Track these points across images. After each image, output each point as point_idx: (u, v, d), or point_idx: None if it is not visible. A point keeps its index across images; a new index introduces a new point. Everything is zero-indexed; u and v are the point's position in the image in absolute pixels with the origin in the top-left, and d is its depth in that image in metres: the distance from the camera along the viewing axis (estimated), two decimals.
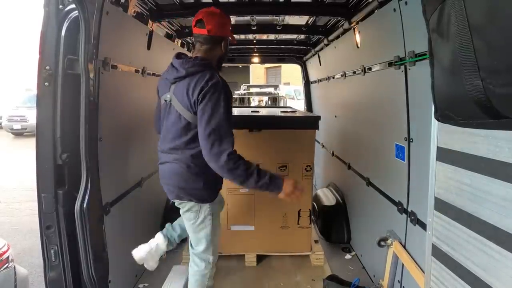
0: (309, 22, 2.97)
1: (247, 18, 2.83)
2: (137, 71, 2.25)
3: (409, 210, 1.75)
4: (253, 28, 2.97)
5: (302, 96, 5.16)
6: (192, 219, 1.65)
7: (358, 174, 2.57)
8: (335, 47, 3.05)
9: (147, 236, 2.51)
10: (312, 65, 4.23)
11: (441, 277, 1.08)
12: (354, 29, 2.41)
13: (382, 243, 1.90)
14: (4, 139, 11.21)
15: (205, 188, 1.60)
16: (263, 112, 2.98)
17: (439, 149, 1.09)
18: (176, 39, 3.11)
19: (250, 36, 3.52)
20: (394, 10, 1.71)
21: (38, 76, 1.45)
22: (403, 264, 1.78)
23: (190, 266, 1.77)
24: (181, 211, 1.70)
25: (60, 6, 1.47)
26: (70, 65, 1.50)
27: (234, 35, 1.72)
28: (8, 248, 1.99)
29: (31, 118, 10.70)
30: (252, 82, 18.20)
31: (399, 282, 1.84)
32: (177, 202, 1.67)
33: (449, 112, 0.82)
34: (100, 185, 1.65)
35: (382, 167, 2.13)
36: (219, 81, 1.49)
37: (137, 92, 2.29)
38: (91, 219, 1.54)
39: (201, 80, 1.47)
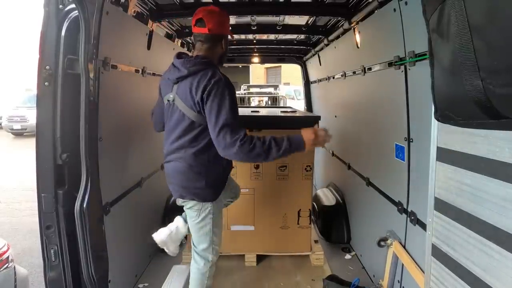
0: (309, 22, 2.97)
1: (247, 18, 2.83)
2: (137, 71, 2.25)
3: (409, 210, 1.75)
4: (253, 28, 2.97)
5: (302, 96, 5.16)
6: (193, 217, 1.67)
7: (358, 174, 2.57)
8: (335, 47, 3.05)
9: (147, 236, 2.52)
10: (312, 65, 4.23)
11: (441, 277, 1.08)
12: (354, 29, 2.41)
13: (382, 243, 1.90)
14: (4, 139, 11.21)
15: (207, 187, 1.61)
16: (263, 112, 2.98)
17: (439, 149, 1.09)
18: (176, 39, 3.11)
19: (250, 36, 3.52)
20: (394, 10, 1.71)
21: (38, 76, 1.45)
22: (403, 264, 1.78)
23: (191, 265, 1.78)
24: (184, 208, 1.72)
25: (60, 6, 1.47)
26: (70, 65, 1.50)
27: (233, 34, 1.72)
28: (8, 248, 1.99)
29: (31, 118, 10.69)
30: (252, 82, 18.18)
31: (399, 282, 1.84)
32: (180, 201, 1.69)
33: (449, 112, 0.82)
34: (100, 185, 1.65)
35: (382, 167, 2.13)
36: (221, 78, 1.49)
37: (137, 92, 2.29)
38: (91, 219, 1.54)
39: (204, 79, 1.48)
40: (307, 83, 4.69)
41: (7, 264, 1.93)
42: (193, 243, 1.75)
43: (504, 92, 0.62)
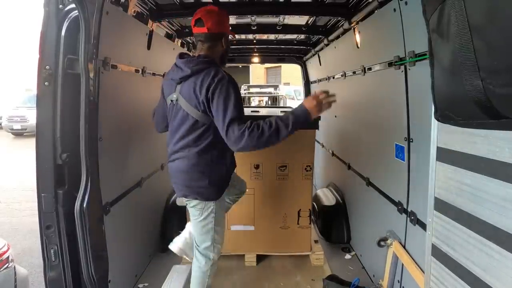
0: (309, 22, 2.97)
1: (247, 18, 2.83)
2: (137, 71, 2.25)
3: (409, 210, 1.75)
4: (253, 28, 2.97)
5: (302, 96, 5.16)
6: (196, 216, 1.68)
7: (358, 174, 2.57)
8: (335, 47, 3.05)
9: (147, 236, 2.52)
10: (312, 65, 4.23)
11: (441, 277, 1.08)
12: (354, 29, 2.41)
13: (382, 243, 1.90)
14: (4, 139, 11.20)
15: (211, 186, 1.62)
16: (263, 112, 2.98)
17: (439, 149, 1.09)
18: (176, 39, 3.11)
19: (250, 36, 3.52)
20: (394, 10, 1.71)
21: (38, 76, 1.45)
22: (403, 264, 1.78)
23: (193, 263, 1.79)
24: (187, 206, 1.73)
25: (60, 6, 1.46)
26: (70, 65, 1.50)
27: (233, 33, 1.73)
28: (8, 248, 1.99)
29: (31, 118, 10.69)
30: (252, 82, 18.18)
31: (399, 282, 1.84)
32: (184, 199, 1.70)
33: (449, 112, 0.82)
34: (100, 185, 1.65)
35: (382, 167, 2.13)
36: (224, 75, 1.51)
37: (137, 92, 2.29)
38: (91, 219, 1.54)
39: (207, 78, 1.49)
40: (307, 83, 4.69)
41: (7, 264, 1.93)
42: (195, 242, 1.76)
43: (504, 92, 0.62)
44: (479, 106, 0.68)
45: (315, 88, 4.41)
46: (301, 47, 3.96)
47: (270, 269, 2.45)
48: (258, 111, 2.93)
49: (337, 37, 2.88)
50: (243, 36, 3.54)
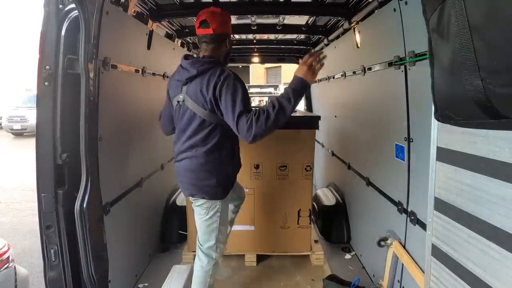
0: (309, 22, 2.97)
1: (247, 18, 2.83)
2: (137, 71, 2.25)
3: (409, 210, 1.75)
4: (253, 28, 2.97)
5: None
6: (201, 215, 1.69)
7: (358, 174, 2.57)
8: (335, 47, 3.05)
9: (147, 236, 2.52)
10: None
11: (441, 277, 1.08)
12: (354, 29, 2.41)
13: (382, 243, 1.90)
14: (4, 139, 11.21)
15: (218, 185, 1.64)
16: None
17: (439, 149, 1.09)
18: (176, 39, 3.11)
19: (250, 36, 3.52)
20: (394, 10, 1.71)
21: (38, 76, 1.45)
22: (403, 264, 1.78)
23: (195, 262, 1.80)
24: (193, 205, 1.74)
25: (60, 6, 1.46)
26: (70, 65, 1.50)
27: (233, 34, 1.74)
28: (9, 248, 1.99)
29: (31, 118, 10.70)
30: (252, 82, 18.15)
31: (399, 282, 1.84)
32: (191, 198, 1.71)
33: (449, 112, 0.82)
34: (100, 185, 1.65)
35: (382, 167, 2.13)
36: (230, 73, 1.54)
37: (137, 92, 2.29)
38: (91, 219, 1.54)
39: (213, 77, 1.52)
40: None
41: (7, 264, 1.94)
42: (199, 241, 1.77)
43: (504, 92, 0.62)
44: (479, 106, 0.68)
45: (315, 88, 4.41)
46: (301, 47, 3.96)
47: (270, 269, 2.45)
48: None
49: (337, 37, 2.88)
50: (243, 36, 3.54)
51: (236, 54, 4.35)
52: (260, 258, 2.52)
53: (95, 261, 1.56)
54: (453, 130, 0.99)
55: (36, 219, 1.53)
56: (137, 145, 2.29)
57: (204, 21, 1.59)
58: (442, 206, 1.08)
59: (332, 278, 2.14)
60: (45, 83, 1.45)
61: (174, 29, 2.98)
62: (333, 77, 3.27)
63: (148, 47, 2.40)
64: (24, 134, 11.63)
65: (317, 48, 3.61)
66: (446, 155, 1.05)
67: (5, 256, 1.94)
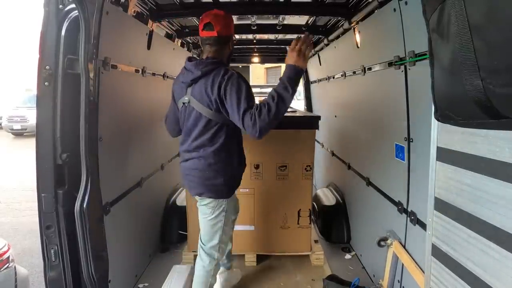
0: (309, 22, 2.97)
1: (247, 18, 2.83)
2: (137, 71, 2.25)
3: (409, 210, 1.75)
4: (253, 28, 2.97)
5: (302, 96, 5.16)
6: (207, 214, 1.71)
7: (358, 174, 2.57)
8: (335, 47, 3.05)
9: (147, 236, 2.52)
10: (312, 65, 4.23)
11: (441, 277, 1.08)
12: (354, 29, 2.41)
13: (382, 243, 1.90)
14: (4, 139, 11.21)
15: (225, 184, 1.67)
16: None
17: (439, 149, 1.09)
18: (176, 39, 3.11)
19: (250, 36, 3.52)
20: (394, 10, 1.71)
21: (38, 76, 1.45)
22: (403, 264, 1.78)
23: (197, 262, 1.81)
24: (198, 204, 1.76)
25: (60, 6, 1.46)
26: (70, 65, 1.50)
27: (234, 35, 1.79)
28: (9, 248, 1.99)
29: (31, 118, 10.69)
30: (252, 82, 18.08)
31: (399, 282, 1.84)
32: (197, 198, 1.73)
33: (449, 112, 0.82)
34: (100, 185, 1.65)
35: (382, 167, 2.13)
36: (233, 73, 1.57)
37: (137, 92, 2.29)
38: (91, 219, 1.54)
39: (217, 77, 1.54)
40: (307, 83, 4.69)
41: (7, 264, 1.94)
42: (201, 240, 1.79)
43: (504, 92, 0.62)
44: (479, 106, 0.68)
45: (315, 88, 4.41)
46: None
47: (270, 269, 2.45)
48: None
49: (337, 37, 2.88)
50: (243, 36, 3.54)
51: (236, 54, 4.35)
52: (260, 258, 2.52)
53: (95, 261, 1.56)
54: (453, 130, 0.99)
55: (36, 219, 1.53)
56: (137, 145, 2.29)
57: (209, 23, 1.61)
58: (442, 206, 1.08)
59: (332, 278, 2.14)
60: (45, 83, 1.45)
61: (174, 29, 2.98)
62: (333, 77, 3.27)
63: (148, 47, 2.40)
64: (24, 134, 11.63)
65: (317, 48, 3.61)
66: (446, 155, 1.05)
67: (5, 256, 1.94)
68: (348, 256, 2.64)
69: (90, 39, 1.51)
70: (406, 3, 1.60)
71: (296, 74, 1.51)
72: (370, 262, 2.35)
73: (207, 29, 1.62)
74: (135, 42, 2.22)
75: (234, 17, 2.80)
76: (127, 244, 2.12)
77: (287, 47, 1.59)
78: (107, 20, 1.64)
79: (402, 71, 1.74)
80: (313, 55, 3.92)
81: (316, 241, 2.63)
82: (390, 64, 1.85)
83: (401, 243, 1.82)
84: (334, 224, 2.87)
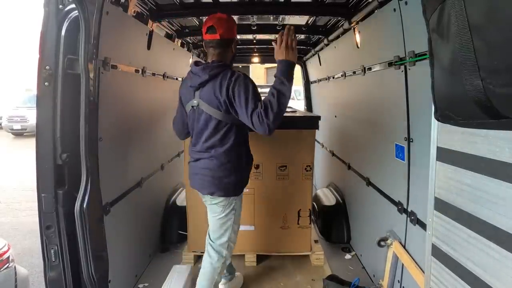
0: (309, 22, 2.97)
1: (247, 18, 2.83)
2: (137, 71, 2.25)
3: (409, 210, 1.75)
4: (253, 28, 2.97)
5: (302, 96, 5.17)
6: (217, 213, 1.75)
7: (358, 174, 2.57)
8: (335, 47, 3.05)
9: (147, 236, 2.52)
10: (312, 65, 4.23)
11: (441, 277, 1.08)
12: (354, 29, 2.41)
13: (382, 243, 1.90)
14: (4, 139, 11.21)
15: (236, 182, 1.73)
16: None
17: (439, 149, 1.09)
18: (176, 39, 3.11)
19: (250, 36, 3.52)
20: (394, 10, 1.71)
21: (38, 76, 1.45)
22: (403, 264, 1.78)
23: (204, 258, 1.84)
24: (207, 203, 1.79)
25: (60, 6, 1.46)
26: (70, 65, 1.50)
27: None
28: (9, 248, 1.99)
29: (31, 118, 10.70)
30: None
31: (399, 282, 1.84)
32: (208, 197, 1.75)
33: (449, 112, 0.82)
34: (100, 185, 1.65)
35: (382, 167, 2.13)
36: (239, 74, 1.63)
37: (137, 92, 2.29)
38: (91, 219, 1.54)
39: (225, 79, 1.60)
40: (307, 83, 4.69)
41: (7, 264, 1.94)
42: (210, 238, 1.81)
43: (504, 92, 0.62)
44: (479, 106, 0.67)
45: (315, 88, 4.41)
46: (301, 47, 3.96)
47: (270, 269, 2.45)
48: None
49: (337, 37, 2.88)
50: (243, 36, 3.54)
51: (236, 54, 4.35)
52: (260, 258, 2.52)
53: (95, 261, 1.56)
54: (453, 130, 0.99)
55: (36, 219, 1.53)
56: (137, 145, 2.29)
57: (212, 27, 1.65)
58: (442, 206, 1.08)
59: (332, 278, 2.14)
60: (45, 83, 1.45)
61: (174, 29, 2.98)
62: (333, 77, 3.27)
63: (148, 47, 2.40)
64: (24, 134, 11.63)
65: (317, 48, 3.61)
66: (446, 155, 1.05)
67: (5, 256, 1.94)
68: (348, 256, 2.64)
69: (90, 39, 1.51)
70: (406, 3, 1.60)
71: (289, 68, 1.57)
72: (370, 262, 2.35)
73: (210, 32, 1.66)
74: (135, 42, 2.22)
75: (234, 17, 2.80)
76: (127, 244, 2.12)
77: (273, 43, 1.63)
78: (107, 20, 1.64)
79: (402, 71, 1.74)
80: (313, 55, 3.92)
81: (316, 241, 2.63)
82: (390, 64, 1.85)
83: (401, 243, 1.82)
84: (334, 224, 2.87)
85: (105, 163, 1.72)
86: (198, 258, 2.55)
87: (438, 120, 0.92)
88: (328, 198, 3.10)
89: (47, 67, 1.45)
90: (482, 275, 0.89)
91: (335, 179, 3.34)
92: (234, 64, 1.93)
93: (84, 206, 1.51)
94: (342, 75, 2.90)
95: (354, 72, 2.59)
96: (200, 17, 2.77)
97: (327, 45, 3.22)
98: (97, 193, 1.63)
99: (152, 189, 2.55)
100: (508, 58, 0.59)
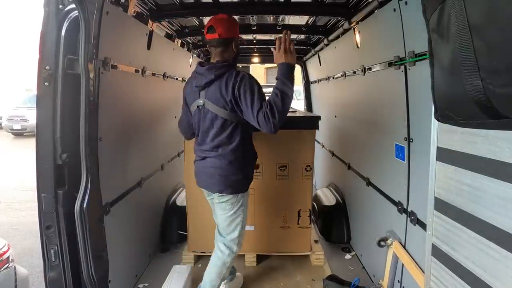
0: (309, 22, 2.97)
1: (247, 18, 2.83)
2: (137, 71, 2.25)
3: (409, 210, 1.75)
4: (253, 28, 2.97)
5: (302, 96, 5.17)
6: (226, 210, 1.80)
7: (358, 174, 2.57)
8: (335, 47, 3.05)
9: (147, 236, 2.52)
10: (312, 65, 4.23)
11: (441, 277, 1.08)
12: (354, 29, 2.41)
13: (382, 243, 1.90)
14: (4, 139, 11.21)
15: (243, 179, 1.78)
16: None
17: (439, 149, 1.09)
18: (176, 39, 3.11)
19: (250, 36, 3.52)
20: (394, 10, 1.71)
21: (38, 76, 1.45)
22: (403, 264, 1.78)
23: (214, 254, 1.89)
24: (215, 201, 1.82)
25: (60, 6, 1.46)
26: (70, 65, 1.50)
27: (243, 39, 1.86)
28: (9, 248, 1.99)
29: (31, 118, 10.70)
30: None
31: (399, 282, 1.84)
32: (217, 195, 1.79)
33: (449, 112, 0.82)
34: (100, 185, 1.65)
35: (382, 167, 2.13)
36: (244, 74, 1.67)
37: (137, 92, 2.29)
38: (91, 219, 1.54)
39: (230, 79, 1.65)
40: (307, 83, 4.69)
41: (7, 264, 1.94)
42: (221, 234, 1.87)
43: (504, 92, 0.62)
44: (479, 106, 0.67)
45: (315, 88, 4.41)
46: (301, 47, 3.96)
47: (270, 269, 2.45)
48: None
49: (337, 37, 2.88)
50: (243, 36, 3.54)
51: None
52: (260, 258, 2.52)
53: (95, 261, 1.56)
54: (453, 130, 0.99)
55: (36, 219, 1.53)
56: (137, 145, 2.29)
57: (211, 27, 1.71)
58: (442, 206, 1.08)
59: (332, 278, 2.14)
60: (45, 83, 1.45)
61: (174, 29, 2.98)
62: (333, 77, 3.27)
63: (148, 47, 2.40)
64: (24, 134, 11.63)
65: (317, 48, 3.61)
66: (446, 155, 1.05)
67: (5, 256, 1.94)
68: (348, 256, 2.64)
69: (90, 39, 1.51)
70: (406, 3, 1.60)
71: (289, 70, 1.66)
72: (370, 262, 2.35)
73: (210, 32, 1.72)
74: (135, 42, 2.22)
75: (234, 17, 2.81)
76: (127, 244, 2.12)
77: (271, 48, 1.73)
78: (107, 20, 1.64)
79: (402, 71, 1.74)
80: (313, 55, 3.92)
81: (316, 241, 2.63)
82: (390, 64, 1.86)
83: (401, 243, 1.82)
84: (334, 224, 2.87)
85: (105, 163, 1.72)
86: (198, 258, 2.55)
87: (438, 120, 0.92)
88: (328, 198, 3.10)
89: (47, 67, 1.45)
90: (482, 275, 0.89)
91: (335, 179, 3.34)
92: None
93: (84, 206, 1.51)
94: (342, 75, 2.90)
95: (354, 72, 2.59)
96: (200, 17, 2.77)
97: (327, 45, 3.22)
98: (97, 193, 1.63)
99: (152, 189, 2.55)
100: (508, 58, 0.59)
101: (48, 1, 1.43)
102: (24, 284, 2.02)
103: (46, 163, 1.48)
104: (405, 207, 1.79)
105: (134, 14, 2.18)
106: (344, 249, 2.75)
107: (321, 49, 3.49)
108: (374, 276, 2.24)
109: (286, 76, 1.64)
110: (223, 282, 2.05)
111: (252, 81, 1.66)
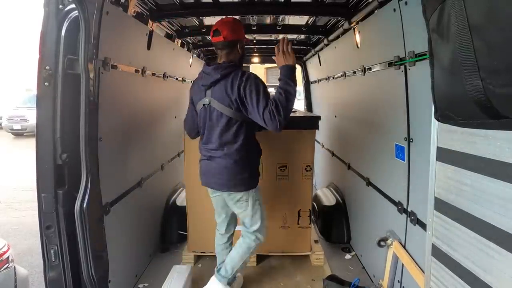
0: (309, 22, 2.97)
1: (247, 18, 2.83)
2: (137, 71, 2.25)
3: (409, 210, 1.75)
4: (253, 28, 2.97)
5: (302, 96, 5.17)
6: (243, 207, 1.86)
7: (358, 174, 2.57)
8: (335, 47, 3.05)
9: (147, 236, 2.52)
10: (312, 65, 4.23)
11: (441, 277, 1.08)
12: (354, 29, 2.41)
13: (382, 243, 1.90)
14: (4, 139, 11.21)
15: (251, 176, 1.83)
16: None
17: (439, 149, 1.09)
18: (176, 39, 3.11)
19: (250, 36, 3.52)
20: (394, 10, 1.71)
21: (38, 76, 1.45)
22: (403, 264, 1.78)
23: (240, 240, 1.99)
24: (230, 203, 1.88)
25: (60, 6, 1.46)
26: (70, 65, 1.50)
27: (248, 39, 1.95)
28: (8, 249, 1.99)
29: (31, 118, 10.70)
30: None
31: (399, 282, 1.84)
32: (226, 193, 1.85)
33: (449, 112, 0.82)
34: (100, 185, 1.65)
35: (382, 167, 2.13)
36: (250, 74, 1.73)
37: (137, 92, 2.29)
38: (91, 219, 1.54)
39: (236, 79, 1.70)
40: (307, 83, 4.69)
41: (7, 264, 1.94)
42: (246, 225, 1.95)
43: (504, 92, 0.62)
44: (479, 106, 0.68)
45: (315, 88, 4.41)
46: (301, 47, 3.96)
47: (270, 269, 2.45)
48: None
49: (337, 37, 2.88)
50: None
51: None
52: (260, 258, 2.52)
53: (95, 261, 1.56)
54: (453, 130, 0.99)
55: (36, 219, 1.53)
56: (137, 145, 2.29)
57: (216, 30, 1.76)
58: (442, 206, 1.08)
59: (332, 278, 2.14)
60: (45, 83, 1.45)
61: (174, 29, 2.98)
62: (333, 77, 3.27)
63: (148, 47, 2.40)
64: (24, 134, 11.63)
65: (317, 48, 3.61)
66: (446, 155, 1.05)
67: (5, 256, 1.94)
68: (348, 256, 2.64)
69: (90, 39, 1.51)
70: (406, 3, 1.60)
71: (291, 71, 1.73)
72: (370, 262, 2.35)
73: (215, 35, 1.77)
74: (135, 42, 2.22)
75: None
76: (127, 244, 2.12)
77: (273, 57, 1.82)
78: (107, 20, 1.64)
79: (402, 71, 1.74)
80: (313, 55, 3.92)
81: (316, 241, 2.62)
82: (390, 64, 1.86)
83: (401, 243, 1.82)
84: (334, 224, 2.87)
85: (105, 163, 1.72)
86: (198, 258, 2.55)
87: (438, 120, 0.92)
88: (328, 198, 3.10)
89: (47, 67, 1.45)
90: (482, 275, 0.89)
91: (335, 179, 3.34)
92: None
93: (84, 206, 1.51)
94: (342, 75, 2.90)
95: (354, 72, 2.59)
96: (200, 17, 2.77)
97: (327, 45, 3.22)
98: (97, 193, 1.63)
99: (152, 189, 2.54)
100: (508, 58, 0.59)
101: (48, 1, 1.43)
102: (24, 284, 2.02)
103: (46, 163, 1.48)
104: (405, 207, 1.79)
105: (134, 14, 2.18)
106: (344, 249, 2.75)
107: (321, 49, 3.49)
108: (374, 276, 2.24)
109: (288, 77, 1.70)
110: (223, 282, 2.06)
111: (258, 81, 1.71)
